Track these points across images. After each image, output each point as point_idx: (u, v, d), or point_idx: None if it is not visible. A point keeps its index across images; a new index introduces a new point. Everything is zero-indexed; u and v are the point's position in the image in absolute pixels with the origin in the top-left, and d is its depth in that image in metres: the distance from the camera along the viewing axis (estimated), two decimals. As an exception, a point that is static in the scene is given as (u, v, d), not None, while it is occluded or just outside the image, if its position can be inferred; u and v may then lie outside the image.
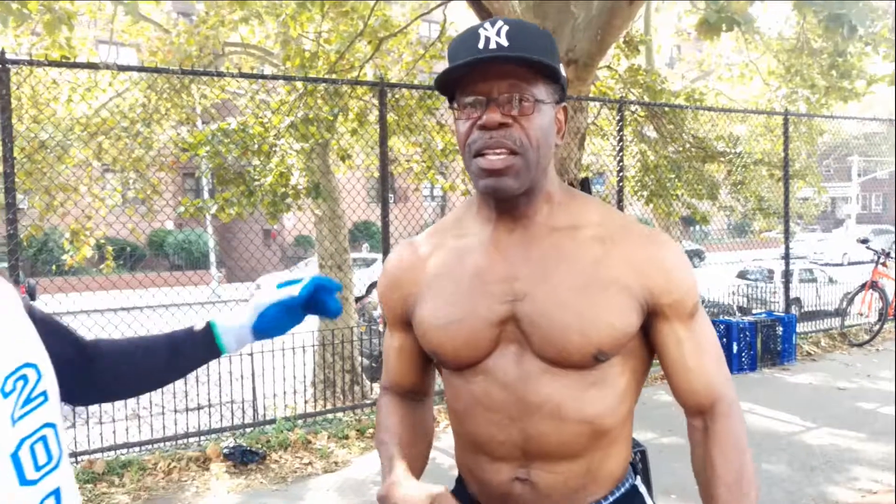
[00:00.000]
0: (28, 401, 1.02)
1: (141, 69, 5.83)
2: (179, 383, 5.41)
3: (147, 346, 1.35)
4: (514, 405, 1.31)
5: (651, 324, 1.32)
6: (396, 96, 6.64)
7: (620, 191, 6.61)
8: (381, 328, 7.44)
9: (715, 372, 1.33)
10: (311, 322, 8.05)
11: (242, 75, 5.79)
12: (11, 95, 4.49)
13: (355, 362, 8.11)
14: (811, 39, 10.90)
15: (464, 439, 1.41)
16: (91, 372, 1.30)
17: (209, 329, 1.35)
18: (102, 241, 7.82)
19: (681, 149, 8.07)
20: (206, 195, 12.66)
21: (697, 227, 11.83)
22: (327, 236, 8.98)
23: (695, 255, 17.85)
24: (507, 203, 1.32)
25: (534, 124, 1.25)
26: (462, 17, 6.87)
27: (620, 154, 6.66)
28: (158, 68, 6.11)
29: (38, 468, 1.00)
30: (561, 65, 1.29)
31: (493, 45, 1.22)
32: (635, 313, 1.29)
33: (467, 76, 1.26)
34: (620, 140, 6.68)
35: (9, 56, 4.54)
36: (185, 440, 5.27)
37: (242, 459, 4.88)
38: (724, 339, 7.01)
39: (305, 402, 7.70)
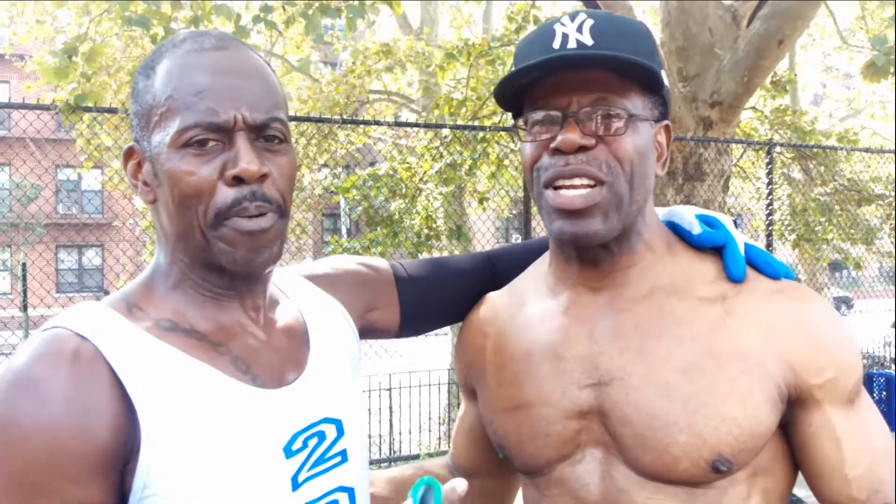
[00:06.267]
0: (320, 461, 0.91)
1: (319, 120, 6.16)
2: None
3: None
4: None
5: (793, 415, 0.94)
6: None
7: (770, 235, 6.39)
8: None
9: (889, 486, 0.93)
10: (446, 359, 8.20)
11: (398, 124, 6.12)
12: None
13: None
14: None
15: None
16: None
17: None
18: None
19: (832, 191, 7.72)
20: (343, 235, 13.25)
21: (845, 273, 11.18)
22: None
23: (842, 303, 16.96)
24: (589, 254, 0.98)
25: (625, 146, 0.91)
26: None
27: (770, 197, 6.46)
28: (330, 119, 6.46)
29: None
30: (663, 71, 0.96)
31: (572, 45, 0.90)
32: (769, 403, 0.91)
33: (538, 85, 0.93)
34: (770, 183, 6.49)
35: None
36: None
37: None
38: (885, 394, 6.55)
39: (439, 438, 7.82)
